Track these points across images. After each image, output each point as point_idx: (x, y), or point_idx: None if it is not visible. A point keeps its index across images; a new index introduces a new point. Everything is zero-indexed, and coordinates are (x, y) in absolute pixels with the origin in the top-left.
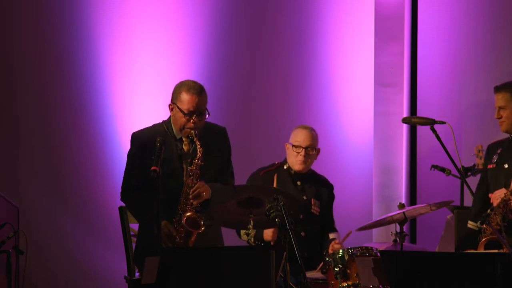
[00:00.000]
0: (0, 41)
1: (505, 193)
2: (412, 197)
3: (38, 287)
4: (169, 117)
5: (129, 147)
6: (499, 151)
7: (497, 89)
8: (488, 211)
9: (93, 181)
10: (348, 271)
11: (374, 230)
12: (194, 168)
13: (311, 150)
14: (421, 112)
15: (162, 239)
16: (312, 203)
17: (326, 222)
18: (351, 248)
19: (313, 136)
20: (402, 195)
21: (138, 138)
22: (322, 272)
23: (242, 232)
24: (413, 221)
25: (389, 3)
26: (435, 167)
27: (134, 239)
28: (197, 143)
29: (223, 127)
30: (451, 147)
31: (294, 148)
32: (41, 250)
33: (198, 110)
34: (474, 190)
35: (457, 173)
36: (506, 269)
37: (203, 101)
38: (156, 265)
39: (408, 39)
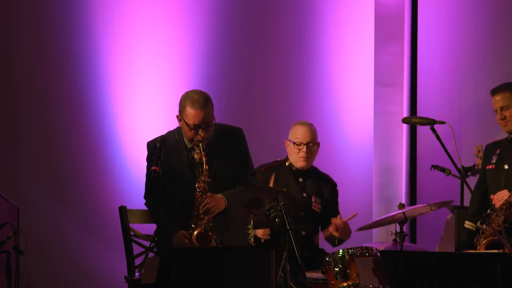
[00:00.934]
0: (0, 41)
1: (509, 195)
2: (412, 197)
3: (38, 287)
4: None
5: (129, 147)
6: (498, 151)
7: (495, 91)
8: (488, 211)
9: (93, 181)
10: (348, 271)
11: (374, 230)
12: (202, 185)
13: (313, 145)
14: (421, 112)
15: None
16: (313, 200)
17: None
18: (351, 248)
19: (313, 131)
20: (402, 195)
21: (151, 144)
22: (322, 272)
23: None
24: (413, 221)
25: (389, 3)
26: (435, 167)
27: (134, 239)
28: (204, 159)
29: (239, 127)
30: (451, 147)
31: (295, 145)
32: (41, 250)
33: (204, 123)
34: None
35: (457, 173)
36: (506, 269)
37: (208, 113)
38: (156, 265)
39: (408, 39)
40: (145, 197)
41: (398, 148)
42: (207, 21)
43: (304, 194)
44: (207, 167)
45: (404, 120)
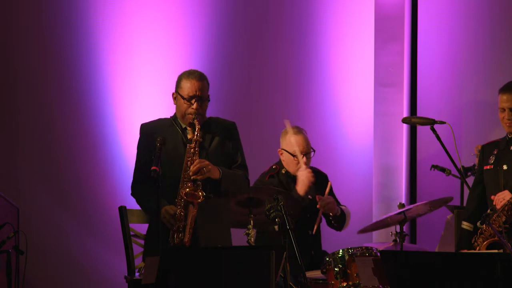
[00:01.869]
0: (0, 41)
1: (511, 196)
2: (412, 197)
3: (38, 287)
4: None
5: (129, 146)
6: (495, 152)
7: (506, 90)
8: (488, 211)
9: (93, 181)
10: (348, 271)
11: (374, 231)
12: (194, 144)
13: (309, 153)
14: (421, 112)
15: (166, 219)
16: (317, 199)
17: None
18: (351, 248)
19: (307, 139)
20: (402, 195)
21: (144, 129)
22: (322, 272)
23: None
24: (413, 221)
25: (389, 3)
26: (435, 167)
27: (134, 239)
28: (195, 121)
29: (232, 121)
30: (451, 147)
31: (292, 156)
32: (41, 250)
33: (198, 95)
34: None
35: (457, 173)
36: (506, 269)
37: (203, 87)
38: (156, 265)
39: (408, 39)
40: (132, 185)
41: (398, 148)
42: (207, 21)
43: (310, 196)
44: (199, 127)
45: (404, 120)
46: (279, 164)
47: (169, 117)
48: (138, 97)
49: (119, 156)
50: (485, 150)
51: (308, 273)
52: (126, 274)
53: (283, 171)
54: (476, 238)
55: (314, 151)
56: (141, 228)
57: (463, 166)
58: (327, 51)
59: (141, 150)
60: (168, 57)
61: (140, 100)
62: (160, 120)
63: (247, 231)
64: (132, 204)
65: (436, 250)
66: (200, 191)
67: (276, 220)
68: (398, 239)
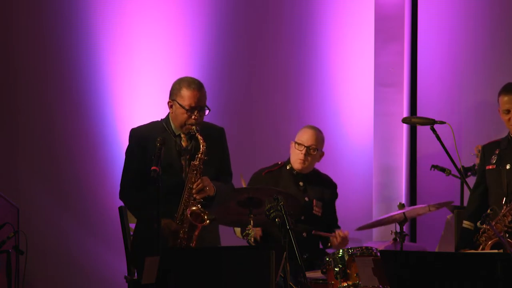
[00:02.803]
0: (0, 41)
1: None
2: (412, 197)
3: (38, 287)
4: (168, 115)
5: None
6: (497, 151)
7: (507, 91)
8: (488, 211)
9: (93, 181)
10: (348, 271)
11: (374, 230)
12: (198, 163)
13: (313, 150)
14: (421, 112)
15: (166, 235)
16: (314, 204)
17: (332, 221)
18: (351, 248)
19: (317, 137)
20: (402, 195)
21: (136, 134)
22: (322, 272)
23: (237, 229)
24: (413, 221)
25: (389, 3)
26: (435, 167)
27: None
28: (200, 137)
29: (221, 127)
30: (451, 147)
31: (296, 145)
32: (41, 250)
33: (199, 105)
34: None
35: (457, 173)
36: (506, 269)
37: (203, 96)
38: (156, 265)
39: (408, 39)
40: (120, 190)
41: (398, 148)
42: (207, 21)
43: (306, 198)
44: (204, 143)
45: (404, 120)
46: (288, 161)
47: (159, 119)
48: (138, 97)
49: (119, 156)
50: (486, 150)
51: (308, 273)
52: (126, 274)
53: (288, 167)
54: (479, 237)
55: (321, 153)
56: None
57: (463, 166)
58: (327, 51)
59: (132, 157)
60: (168, 57)
61: (140, 100)
62: (151, 124)
63: (247, 231)
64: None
65: (436, 250)
66: (206, 214)
67: (276, 220)
68: (398, 239)
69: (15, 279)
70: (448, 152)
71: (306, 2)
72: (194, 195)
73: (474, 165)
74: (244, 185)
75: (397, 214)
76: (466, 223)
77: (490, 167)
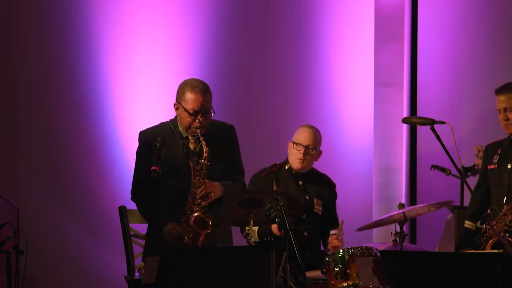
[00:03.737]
0: (0, 41)
1: None
2: (412, 197)
3: (38, 287)
4: (175, 116)
5: (129, 146)
6: (499, 151)
7: (500, 91)
8: (488, 211)
9: (93, 181)
10: (348, 271)
11: (374, 230)
12: (200, 168)
13: (312, 149)
14: (421, 112)
15: (170, 240)
16: (315, 202)
17: (332, 221)
18: (351, 248)
19: (315, 136)
20: (402, 195)
21: (144, 137)
22: (322, 272)
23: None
24: (413, 221)
25: (389, 3)
26: (435, 167)
27: (134, 239)
28: (203, 142)
29: (231, 124)
30: (451, 147)
31: (294, 145)
32: (41, 250)
33: (203, 109)
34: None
35: (457, 173)
36: (506, 269)
37: (208, 100)
38: (156, 265)
39: (408, 39)
40: (131, 192)
41: (398, 148)
42: (207, 21)
43: (307, 197)
44: (207, 149)
45: (404, 120)
46: (286, 161)
47: (168, 120)
48: (138, 97)
49: (119, 156)
50: (489, 150)
51: (308, 273)
52: (126, 274)
53: (286, 167)
54: (480, 237)
55: (319, 152)
56: (141, 228)
57: (463, 166)
58: (327, 51)
59: (141, 159)
60: (168, 57)
61: (140, 100)
62: (159, 126)
63: (247, 231)
64: (132, 204)
65: (436, 250)
66: (209, 220)
67: (276, 220)
68: (398, 239)
69: (15, 279)
70: (448, 152)
71: (306, 2)
72: (198, 201)
73: (474, 165)
74: None
75: (397, 214)
76: (467, 223)
77: (492, 166)
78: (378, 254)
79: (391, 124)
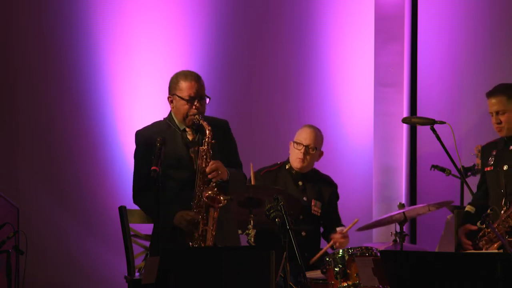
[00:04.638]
0: (0, 41)
1: None
2: (412, 197)
3: (38, 287)
4: (170, 112)
5: (129, 146)
6: (494, 152)
7: (491, 94)
8: (488, 211)
9: (93, 181)
10: (348, 271)
11: (374, 230)
12: (206, 147)
13: (312, 149)
14: (421, 112)
15: (184, 226)
16: (313, 204)
17: (334, 221)
18: (351, 248)
19: (316, 136)
20: (402, 195)
21: (141, 136)
22: (322, 272)
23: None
24: (413, 221)
25: (389, 3)
26: (435, 167)
27: (134, 239)
28: (204, 123)
29: (225, 120)
30: (451, 147)
31: (295, 144)
32: (41, 250)
33: (199, 94)
34: (474, 190)
35: (457, 173)
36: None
37: (201, 86)
38: (156, 265)
39: (408, 39)
40: (133, 194)
41: (398, 148)
42: (207, 21)
43: (305, 198)
44: (209, 127)
45: (404, 120)
46: (287, 161)
47: (162, 119)
48: (138, 97)
49: (119, 156)
50: (484, 151)
51: (308, 273)
52: (126, 274)
53: (287, 167)
54: (477, 241)
55: (320, 152)
56: (141, 228)
57: (463, 166)
58: (327, 51)
59: (140, 159)
60: (168, 57)
61: (140, 100)
62: (155, 124)
63: (247, 231)
64: (132, 204)
65: (436, 250)
66: (221, 195)
67: (276, 220)
68: (398, 239)
69: (15, 279)
70: (448, 152)
71: (306, 2)
72: (208, 176)
73: (474, 165)
74: (252, 176)
75: (397, 214)
76: (468, 207)
77: (488, 168)
78: (378, 254)
79: (391, 124)
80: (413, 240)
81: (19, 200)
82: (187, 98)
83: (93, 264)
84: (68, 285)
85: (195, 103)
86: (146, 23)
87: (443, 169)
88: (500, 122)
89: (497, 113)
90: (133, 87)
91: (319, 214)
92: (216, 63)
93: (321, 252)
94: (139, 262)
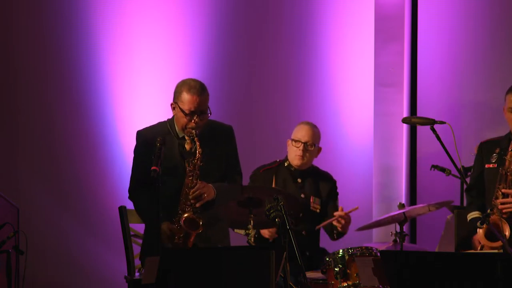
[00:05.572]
0: (0, 41)
1: None
2: (412, 197)
3: (38, 287)
4: (173, 116)
5: (129, 146)
6: (497, 150)
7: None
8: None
9: (93, 181)
10: (348, 271)
11: (374, 230)
12: (193, 168)
13: (310, 146)
14: (421, 112)
15: (162, 239)
16: (311, 200)
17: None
18: (351, 248)
19: (314, 133)
20: (402, 195)
21: (141, 136)
22: (322, 272)
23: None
24: (413, 221)
25: (389, 3)
26: (435, 167)
27: (134, 239)
28: (197, 143)
29: (230, 125)
30: (451, 147)
31: (293, 142)
32: (41, 250)
33: (199, 110)
34: None
35: (457, 173)
36: (506, 269)
37: (204, 100)
38: (156, 265)
39: (408, 39)
40: (129, 191)
41: (398, 148)
42: (207, 21)
43: (302, 195)
44: (200, 150)
45: (404, 120)
46: (285, 158)
47: (165, 120)
48: (138, 97)
49: (119, 156)
50: (484, 148)
51: (308, 273)
52: (126, 274)
53: (286, 164)
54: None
55: (318, 148)
56: (141, 228)
57: (463, 166)
58: (327, 51)
59: (139, 158)
60: (168, 57)
61: (140, 100)
62: (157, 125)
63: (247, 231)
64: (132, 204)
65: (436, 250)
66: (200, 220)
67: (276, 220)
68: (398, 239)
69: (15, 279)
70: (448, 152)
71: (306, 2)
72: (191, 201)
73: None
74: None
75: (397, 214)
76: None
77: (491, 165)
78: (378, 254)
79: (391, 124)
80: (413, 240)
81: (19, 200)
82: (187, 111)
83: (93, 264)
84: (68, 285)
85: (195, 118)
86: (146, 23)
87: (443, 169)
88: None
89: None
90: (133, 87)
91: (318, 211)
92: (216, 63)
93: (325, 222)
94: (139, 262)
